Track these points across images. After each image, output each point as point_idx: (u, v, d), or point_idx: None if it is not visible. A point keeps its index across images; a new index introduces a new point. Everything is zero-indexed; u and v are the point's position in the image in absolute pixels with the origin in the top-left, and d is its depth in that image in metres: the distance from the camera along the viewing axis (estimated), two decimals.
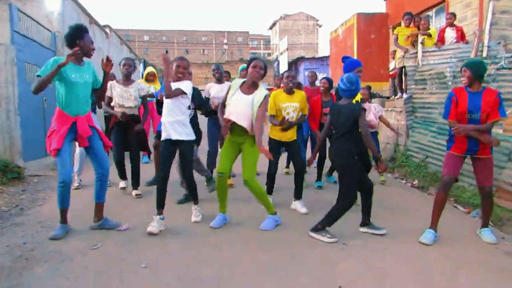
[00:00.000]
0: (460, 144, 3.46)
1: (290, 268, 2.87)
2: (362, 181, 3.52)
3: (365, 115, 4.53)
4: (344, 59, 4.17)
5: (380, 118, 5.65)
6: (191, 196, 3.92)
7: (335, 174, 5.14)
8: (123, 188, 4.91)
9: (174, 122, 3.62)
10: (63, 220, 3.41)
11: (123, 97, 4.55)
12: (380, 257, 3.07)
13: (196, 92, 4.43)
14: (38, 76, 3.23)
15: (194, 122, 4.43)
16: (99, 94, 3.68)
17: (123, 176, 4.93)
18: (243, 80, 3.73)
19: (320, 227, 3.43)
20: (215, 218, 3.70)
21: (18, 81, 5.97)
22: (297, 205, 4.30)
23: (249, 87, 3.63)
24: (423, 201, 4.68)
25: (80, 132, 3.36)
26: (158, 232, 3.44)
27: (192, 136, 3.75)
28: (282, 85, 4.67)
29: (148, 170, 5.44)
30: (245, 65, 6.39)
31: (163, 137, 3.67)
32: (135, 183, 4.75)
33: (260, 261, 2.98)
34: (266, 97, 3.59)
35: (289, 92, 4.35)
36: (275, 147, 4.31)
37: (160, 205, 3.59)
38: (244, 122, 3.53)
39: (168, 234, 3.47)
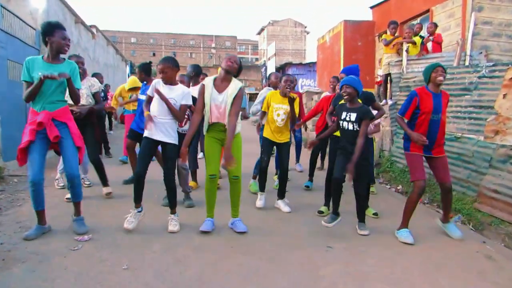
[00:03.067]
0: (415, 144, 3.59)
1: (271, 271, 2.85)
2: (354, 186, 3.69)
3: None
4: (347, 71, 4.53)
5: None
6: (170, 203, 3.65)
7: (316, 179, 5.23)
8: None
9: (163, 123, 3.54)
10: (40, 221, 3.30)
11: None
12: (362, 261, 3.09)
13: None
14: (24, 81, 3.22)
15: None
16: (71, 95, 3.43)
17: (103, 180, 4.64)
18: (213, 77, 3.61)
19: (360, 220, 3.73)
20: (203, 223, 3.56)
21: (0, 79, 5.83)
22: (280, 204, 4.34)
23: (222, 81, 3.52)
24: None
25: (39, 119, 3.17)
26: (132, 228, 3.45)
27: (176, 141, 3.62)
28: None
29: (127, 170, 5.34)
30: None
31: (146, 134, 3.56)
32: (103, 181, 4.58)
33: (241, 263, 2.95)
34: (240, 90, 3.48)
35: (284, 95, 4.36)
36: (268, 146, 4.39)
37: (137, 200, 3.53)
38: (224, 120, 3.48)
39: (151, 236, 3.41)
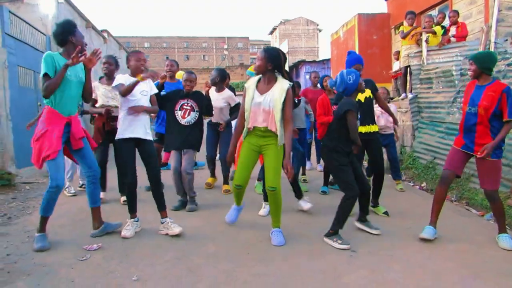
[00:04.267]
0: (459, 138, 3.36)
1: (291, 280, 2.63)
2: (358, 181, 3.35)
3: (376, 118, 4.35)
4: (348, 54, 4.00)
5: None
6: (158, 203, 3.49)
7: None
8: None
9: (143, 119, 3.48)
10: (42, 228, 3.13)
11: (107, 97, 4.33)
12: (389, 266, 2.83)
13: (201, 96, 4.25)
14: (45, 75, 3.02)
15: (198, 127, 4.24)
16: (86, 92, 3.37)
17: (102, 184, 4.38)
18: (258, 78, 3.30)
19: (331, 232, 3.24)
20: (230, 211, 3.54)
21: (10, 85, 5.80)
22: (301, 203, 4.13)
23: (266, 83, 3.21)
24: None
25: (74, 132, 3.17)
26: (131, 236, 3.33)
27: (150, 136, 3.57)
28: None
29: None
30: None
31: (123, 136, 3.43)
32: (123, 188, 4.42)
33: (259, 273, 2.73)
34: (288, 90, 3.12)
35: None
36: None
37: (132, 210, 3.45)
38: (266, 124, 3.18)
39: (162, 243, 3.23)
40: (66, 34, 3.17)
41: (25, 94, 6.39)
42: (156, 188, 3.50)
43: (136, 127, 3.43)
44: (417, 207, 4.38)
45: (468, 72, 3.33)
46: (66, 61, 3.05)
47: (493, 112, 3.14)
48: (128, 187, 3.47)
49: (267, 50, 3.20)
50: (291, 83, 3.20)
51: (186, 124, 4.13)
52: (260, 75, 3.26)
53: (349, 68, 3.78)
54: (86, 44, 3.31)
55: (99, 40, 11.48)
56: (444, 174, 3.36)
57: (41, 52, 7.28)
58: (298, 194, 4.18)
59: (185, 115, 4.15)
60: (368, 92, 4.00)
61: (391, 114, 4.55)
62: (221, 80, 4.86)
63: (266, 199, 4.04)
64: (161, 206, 3.49)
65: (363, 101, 3.99)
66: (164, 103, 4.12)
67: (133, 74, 3.50)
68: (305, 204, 4.12)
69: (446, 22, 7.28)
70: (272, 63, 3.13)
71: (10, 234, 3.44)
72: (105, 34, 12.16)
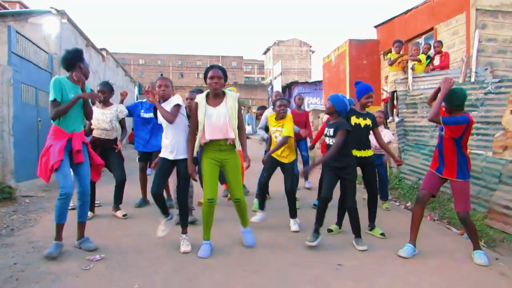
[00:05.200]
0: (433, 160, 3.66)
1: None
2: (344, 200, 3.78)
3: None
4: (356, 84, 4.28)
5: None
6: (181, 221, 3.65)
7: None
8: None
9: (177, 142, 3.63)
10: (58, 236, 3.37)
11: (99, 119, 4.56)
12: (374, 279, 3.06)
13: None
14: (54, 100, 3.31)
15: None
16: (85, 111, 3.63)
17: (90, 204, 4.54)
18: (205, 93, 3.53)
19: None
20: (201, 248, 3.48)
21: (14, 101, 6.00)
22: (291, 222, 4.35)
23: (215, 97, 3.48)
24: None
25: (74, 145, 3.39)
26: (164, 236, 3.65)
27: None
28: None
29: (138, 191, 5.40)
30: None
31: (164, 155, 3.65)
32: (118, 201, 4.67)
33: (252, 283, 2.94)
34: (238, 100, 3.52)
35: (280, 118, 4.46)
36: (271, 163, 4.43)
37: (164, 212, 3.72)
38: (223, 135, 3.42)
39: (161, 255, 3.43)
40: (76, 60, 3.50)
41: (27, 110, 6.59)
42: (180, 207, 3.66)
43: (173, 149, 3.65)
44: (402, 225, 4.61)
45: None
46: (79, 93, 3.42)
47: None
48: (153, 196, 3.68)
49: (221, 68, 3.50)
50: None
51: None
52: (206, 92, 3.55)
53: (361, 97, 4.14)
54: (89, 72, 3.62)
55: (98, 58, 11.78)
56: (419, 194, 3.64)
57: (44, 70, 7.55)
58: (293, 213, 4.38)
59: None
60: (368, 121, 4.19)
61: (388, 152, 4.51)
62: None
63: (260, 207, 4.44)
64: (182, 224, 3.66)
65: (362, 126, 4.17)
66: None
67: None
68: (294, 225, 4.31)
69: (432, 52, 7.74)
70: (225, 79, 3.48)
71: (15, 244, 3.61)
72: (104, 53, 12.46)
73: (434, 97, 3.62)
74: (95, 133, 4.61)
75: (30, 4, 10.39)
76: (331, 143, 3.77)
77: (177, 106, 3.59)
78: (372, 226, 4.32)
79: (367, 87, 4.17)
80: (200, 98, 3.49)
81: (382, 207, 5.47)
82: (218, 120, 3.39)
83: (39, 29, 8.12)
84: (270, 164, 4.43)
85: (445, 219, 5.00)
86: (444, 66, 7.18)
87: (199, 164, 3.64)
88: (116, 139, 4.73)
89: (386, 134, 5.51)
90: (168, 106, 3.62)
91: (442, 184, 3.65)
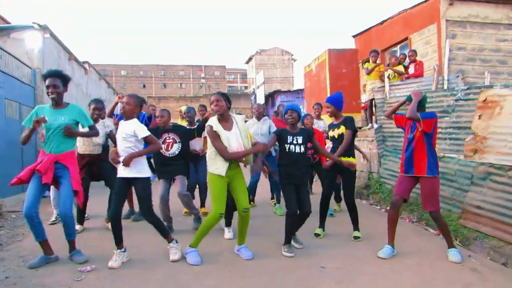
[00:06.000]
0: (401, 165, 3.94)
1: None
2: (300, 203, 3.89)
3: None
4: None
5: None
6: (161, 234, 3.70)
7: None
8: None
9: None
10: (45, 251, 3.50)
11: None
12: (355, 278, 3.25)
13: (180, 128, 4.71)
14: (24, 127, 3.53)
15: (183, 156, 4.63)
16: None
17: (80, 218, 4.67)
18: (215, 118, 3.67)
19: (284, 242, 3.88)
20: (191, 255, 3.60)
21: None
22: (226, 230, 4.45)
23: (226, 121, 3.68)
24: None
25: (39, 166, 3.44)
26: (117, 266, 3.44)
27: (146, 173, 3.63)
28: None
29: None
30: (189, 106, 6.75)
31: (119, 175, 3.58)
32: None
33: (241, 286, 3.09)
34: (247, 122, 3.75)
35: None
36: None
37: (118, 241, 3.57)
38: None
39: (152, 264, 3.54)
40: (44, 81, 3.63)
41: (11, 125, 6.60)
42: (151, 223, 3.67)
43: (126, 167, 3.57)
44: (382, 227, 4.83)
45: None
46: (59, 120, 3.56)
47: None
48: (110, 218, 3.64)
49: (223, 94, 3.74)
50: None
51: (171, 156, 4.52)
52: (216, 116, 3.67)
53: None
54: (50, 92, 3.57)
55: (80, 72, 11.78)
56: (393, 199, 3.91)
57: (27, 85, 7.56)
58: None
59: (168, 147, 4.56)
60: (342, 129, 4.44)
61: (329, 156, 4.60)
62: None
63: (227, 224, 4.46)
64: (163, 236, 3.70)
65: (336, 137, 4.50)
66: None
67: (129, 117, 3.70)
68: (227, 233, 4.42)
69: (407, 61, 8.10)
70: (229, 103, 3.70)
71: (5, 259, 3.66)
72: (86, 65, 12.47)
73: (395, 110, 4.20)
74: (86, 150, 4.61)
75: (12, 20, 10.33)
76: (297, 151, 3.92)
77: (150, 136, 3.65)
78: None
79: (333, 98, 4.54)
80: (215, 124, 3.61)
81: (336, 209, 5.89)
82: (233, 143, 3.59)
83: (22, 44, 8.14)
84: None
85: (423, 220, 5.24)
86: (419, 74, 7.53)
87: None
88: (104, 150, 4.75)
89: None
90: (130, 125, 3.61)
91: (414, 186, 3.90)
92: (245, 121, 5.92)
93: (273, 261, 3.65)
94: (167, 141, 4.57)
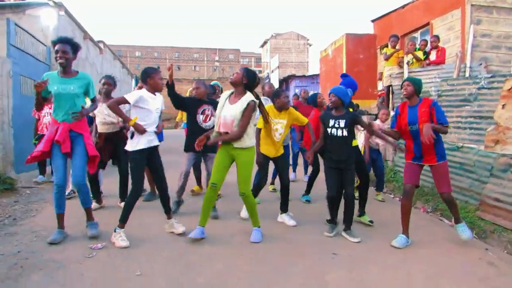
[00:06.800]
0: (408, 152, 3.82)
1: (279, 278, 2.95)
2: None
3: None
4: (343, 76, 4.53)
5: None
6: (166, 208, 3.81)
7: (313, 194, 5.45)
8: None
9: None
10: (59, 225, 3.55)
11: (103, 113, 4.58)
12: (367, 267, 3.18)
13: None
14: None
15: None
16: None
17: (95, 195, 4.63)
18: (231, 91, 3.77)
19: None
20: (194, 231, 3.60)
21: (13, 93, 6.04)
22: (285, 218, 4.39)
23: (236, 96, 3.67)
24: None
25: (56, 136, 3.44)
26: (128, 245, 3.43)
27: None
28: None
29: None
30: (216, 81, 6.65)
31: (143, 147, 3.57)
32: (123, 195, 4.70)
33: (251, 271, 3.05)
34: (249, 104, 3.54)
35: (280, 109, 4.44)
36: (264, 161, 4.37)
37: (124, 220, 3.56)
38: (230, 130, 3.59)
39: (161, 244, 3.53)
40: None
41: (26, 102, 6.61)
42: (161, 195, 3.80)
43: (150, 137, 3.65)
44: (396, 216, 4.73)
45: (404, 92, 3.80)
46: (65, 86, 3.52)
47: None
48: (135, 197, 3.60)
49: (247, 69, 3.71)
50: (256, 100, 3.61)
51: (207, 128, 4.43)
52: (233, 90, 3.71)
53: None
54: (59, 57, 3.49)
55: (95, 51, 11.77)
56: (406, 188, 3.77)
57: (41, 62, 7.56)
58: (284, 208, 4.43)
59: (206, 119, 4.54)
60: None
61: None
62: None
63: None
64: (167, 210, 3.82)
65: None
66: (186, 105, 4.55)
67: (153, 90, 3.72)
68: (289, 220, 4.34)
69: (428, 47, 7.82)
70: (248, 79, 3.63)
71: (18, 233, 3.70)
72: (101, 45, 12.45)
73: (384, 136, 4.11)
74: (102, 129, 4.61)
75: None
76: (339, 135, 3.86)
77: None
78: (362, 213, 4.50)
79: (353, 84, 4.44)
80: (224, 94, 3.73)
81: (378, 198, 5.63)
82: (229, 117, 3.56)
83: (37, 21, 8.11)
84: (263, 162, 4.34)
85: (438, 211, 5.12)
86: (441, 61, 7.27)
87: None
88: (122, 129, 4.70)
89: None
90: (158, 99, 3.71)
91: (421, 171, 3.84)
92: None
93: (285, 245, 3.61)
94: (206, 112, 4.54)
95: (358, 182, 4.54)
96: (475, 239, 4.13)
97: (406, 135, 3.81)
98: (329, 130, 3.92)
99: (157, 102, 3.71)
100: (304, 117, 4.57)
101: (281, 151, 4.48)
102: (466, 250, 3.65)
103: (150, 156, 3.67)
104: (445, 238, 3.99)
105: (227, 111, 3.59)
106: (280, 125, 4.42)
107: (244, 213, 4.40)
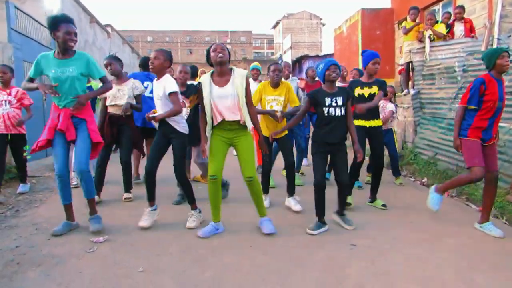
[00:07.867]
0: (477, 133, 3.42)
1: (293, 271, 2.70)
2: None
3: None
4: (363, 52, 4.19)
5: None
6: (188, 198, 3.63)
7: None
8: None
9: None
10: (67, 216, 3.38)
11: (116, 96, 4.33)
12: (389, 259, 2.90)
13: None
14: (29, 77, 3.35)
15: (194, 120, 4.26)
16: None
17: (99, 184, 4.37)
18: (209, 73, 3.34)
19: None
20: (204, 227, 3.38)
21: (16, 80, 5.85)
22: (291, 202, 4.10)
23: (221, 75, 3.26)
24: None
25: (59, 125, 3.23)
26: (148, 226, 3.44)
27: (183, 129, 3.61)
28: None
29: None
30: (256, 64, 6.22)
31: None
32: (127, 185, 4.47)
33: (261, 264, 2.81)
34: (246, 77, 3.26)
35: (275, 85, 4.12)
36: (266, 144, 3.95)
37: (151, 197, 3.52)
38: (235, 116, 3.25)
39: (167, 236, 3.31)
40: (50, 30, 3.22)
41: None
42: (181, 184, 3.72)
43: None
44: (418, 202, 4.43)
45: (507, 65, 3.40)
46: (65, 69, 3.23)
47: None
48: (145, 175, 3.51)
49: (221, 44, 3.27)
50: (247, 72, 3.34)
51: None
52: (211, 71, 3.33)
53: (367, 64, 4.04)
54: (72, 40, 3.21)
55: (103, 35, 11.54)
56: (479, 171, 3.31)
57: (46, 47, 7.36)
58: (291, 190, 4.15)
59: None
60: (374, 89, 4.03)
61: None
62: None
63: (265, 191, 4.16)
64: (189, 200, 3.67)
65: (366, 96, 4.04)
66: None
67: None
68: (295, 205, 4.05)
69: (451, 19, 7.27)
70: (229, 54, 3.28)
71: (19, 226, 3.54)
72: (109, 29, 12.20)
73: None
74: (111, 110, 4.35)
75: None
76: (338, 114, 3.39)
77: (175, 93, 3.42)
78: (373, 198, 4.25)
79: (373, 53, 4.08)
80: (204, 78, 3.29)
81: (396, 182, 5.33)
82: (226, 101, 3.21)
83: (40, 5, 7.90)
84: (267, 145, 3.92)
85: (463, 195, 4.78)
86: (473, 33, 6.73)
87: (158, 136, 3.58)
88: (131, 115, 4.47)
89: (390, 106, 5.41)
90: (161, 84, 3.45)
91: None
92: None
93: (299, 237, 3.34)
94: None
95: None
96: (506, 226, 3.80)
97: (485, 113, 3.38)
98: (325, 109, 3.39)
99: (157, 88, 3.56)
100: (296, 100, 4.20)
101: (284, 131, 3.99)
102: (498, 239, 3.32)
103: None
104: (473, 226, 3.66)
105: (224, 96, 3.21)
106: (275, 102, 4.08)
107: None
